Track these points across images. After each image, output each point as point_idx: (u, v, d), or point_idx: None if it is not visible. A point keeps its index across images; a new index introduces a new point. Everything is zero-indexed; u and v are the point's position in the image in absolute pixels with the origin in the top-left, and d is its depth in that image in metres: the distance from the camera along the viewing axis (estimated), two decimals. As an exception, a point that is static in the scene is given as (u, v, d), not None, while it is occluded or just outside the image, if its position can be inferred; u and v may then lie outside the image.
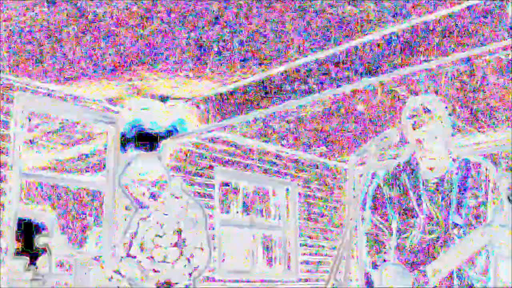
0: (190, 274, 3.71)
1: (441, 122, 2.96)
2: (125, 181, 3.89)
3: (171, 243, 3.73)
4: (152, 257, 3.73)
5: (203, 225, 3.82)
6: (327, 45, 5.04)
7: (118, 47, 5.03)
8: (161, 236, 3.75)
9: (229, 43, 4.95)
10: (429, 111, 2.94)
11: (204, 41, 4.94)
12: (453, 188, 2.92)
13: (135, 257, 3.77)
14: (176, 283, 3.70)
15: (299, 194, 8.64)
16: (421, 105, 2.97)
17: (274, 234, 8.47)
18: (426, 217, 2.92)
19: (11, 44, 4.92)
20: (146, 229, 3.83)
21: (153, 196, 3.84)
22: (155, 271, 3.70)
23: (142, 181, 3.82)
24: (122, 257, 3.85)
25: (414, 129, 2.95)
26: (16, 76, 5.66)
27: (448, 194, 2.92)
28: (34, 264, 5.60)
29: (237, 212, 8.06)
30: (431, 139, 2.94)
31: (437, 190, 2.95)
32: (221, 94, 6.11)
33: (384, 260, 2.97)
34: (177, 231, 3.74)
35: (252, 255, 8.15)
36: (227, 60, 5.35)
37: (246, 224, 8.09)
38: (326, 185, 9.12)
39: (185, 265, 3.67)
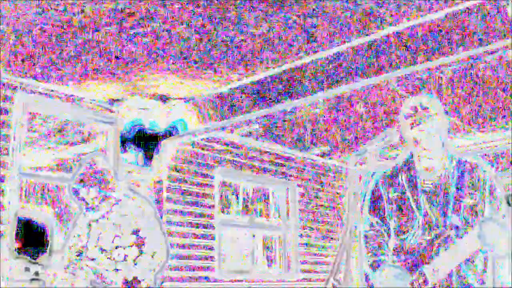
0: (153, 270, 3.83)
1: (439, 122, 2.95)
2: (76, 185, 3.95)
3: (130, 243, 3.81)
4: (112, 258, 3.80)
5: (157, 221, 3.98)
6: (327, 45, 5.04)
7: (118, 47, 5.02)
8: (120, 237, 3.83)
9: (230, 43, 4.95)
10: (426, 110, 2.93)
11: (204, 41, 4.93)
12: (451, 188, 2.91)
13: (94, 259, 3.82)
14: (142, 279, 3.80)
15: (299, 194, 8.64)
16: (419, 104, 2.96)
17: (274, 234, 8.46)
18: (424, 217, 2.91)
19: (12, 44, 4.92)
20: (103, 230, 3.91)
21: (104, 199, 3.93)
22: (117, 270, 3.76)
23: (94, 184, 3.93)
24: (78, 259, 3.91)
25: (412, 129, 2.94)
26: (16, 76, 5.66)
27: (446, 194, 2.91)
28: (35, 264, 5.60)
29: (237, 212, 8.05)
30: (428, 139, 2.93)
31: (435, 190, 2.94)
32: (221, 94, 6.11)
33: (383, 261, 2.96)
34: (135, 231, 3.84)
35: (252, 255, 8.15)
36: (227, 60, 5.35)
37: (246, 224, 8.09)
38: (326, 185, 9.11)
39: (148, 262, 3.80)
